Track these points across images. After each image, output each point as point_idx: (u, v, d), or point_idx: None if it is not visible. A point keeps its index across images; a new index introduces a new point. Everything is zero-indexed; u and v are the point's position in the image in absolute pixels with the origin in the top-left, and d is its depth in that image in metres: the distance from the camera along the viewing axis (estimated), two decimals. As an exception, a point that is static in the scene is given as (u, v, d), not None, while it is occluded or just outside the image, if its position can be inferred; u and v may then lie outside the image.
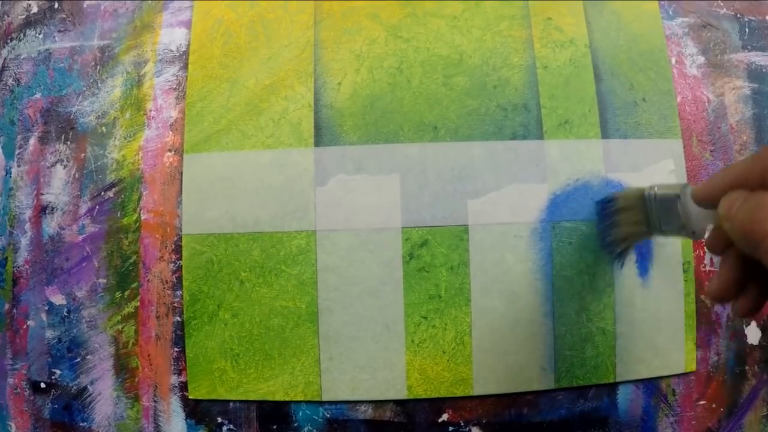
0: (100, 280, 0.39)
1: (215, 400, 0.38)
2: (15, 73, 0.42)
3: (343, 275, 0.38)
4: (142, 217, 0.39)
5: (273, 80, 0.40)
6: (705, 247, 0.38)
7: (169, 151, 0.40)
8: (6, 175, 0.41)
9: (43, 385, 0.39)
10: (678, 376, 0.39)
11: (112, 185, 0.40)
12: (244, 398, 0.38)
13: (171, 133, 0.40)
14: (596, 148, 0.39)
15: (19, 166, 0.41)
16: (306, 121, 0.39)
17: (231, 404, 0.38)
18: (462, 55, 0.40)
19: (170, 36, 0.41)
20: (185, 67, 0.41)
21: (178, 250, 0.39)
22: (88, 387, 0.39)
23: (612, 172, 0.39)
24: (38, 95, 0.42)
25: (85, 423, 0.39)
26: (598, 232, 0.38)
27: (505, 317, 0.38)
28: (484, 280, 0.38)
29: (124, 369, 0.39)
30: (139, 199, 0.39)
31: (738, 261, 0.25)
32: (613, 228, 0.36)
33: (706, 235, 0.28)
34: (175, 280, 0.39)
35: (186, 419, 0.38)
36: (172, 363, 0.38)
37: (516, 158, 0.39)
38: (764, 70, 0.42)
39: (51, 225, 0.40)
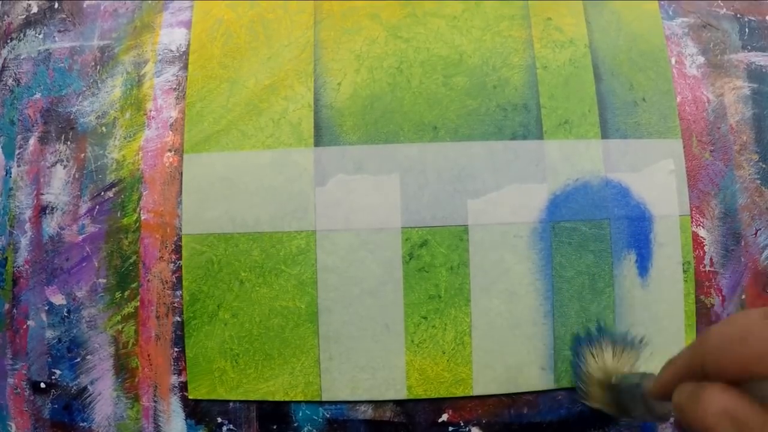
0: (100, 280, 0.39)
1: (215, 400, 0.38)
2: (15, 73, 0.42)
3: (343, 275, 0.38)
4: (142, 217, 0.39)
5: (273, 80, 0.40)
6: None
7: (169, 151, 0.40)
8: (6, 175, 0.41)
9: (43, 385, 0.39)
10: (678, 376, 0.39)
11: (112, 185, 0.40)
12: (244, 398, 0.38)
13: (171, 133, 0.40)
14: (596, 148, 0.39)
15: (19, 166, 0.41)
16: (306, 121, 0.39)
17: (231, 404, 0.38)
18: (462, 55, 0.40)
19: (170, 36, 0.41)
20: (185, 67, 0.41)
21: (178, 250, 0.39)
22: (88, 387, 0.39)
23: (612, 172, 0.39)
24: (38, 95, 0.42)
25: (85, 423, 0.39)
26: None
27: (505, 317, 0.38)
28: (484, 280, 0.38)
29: (124, 369, 0.39)
30: (139, 199, 0.39)
31: None
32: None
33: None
34: (175, 280, 0.39)
35: (186, 419, 0.38)
36: (172, 363, 0.38)
37: (516, 158, 0.39)
38: (764, 70, 0.42)
39: (51, 225, 0.40)
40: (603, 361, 0.35)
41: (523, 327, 0.38)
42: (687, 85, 0.41)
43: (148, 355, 0.38)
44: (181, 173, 0.39)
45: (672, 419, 0.29)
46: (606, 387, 0.34)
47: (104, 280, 0.39)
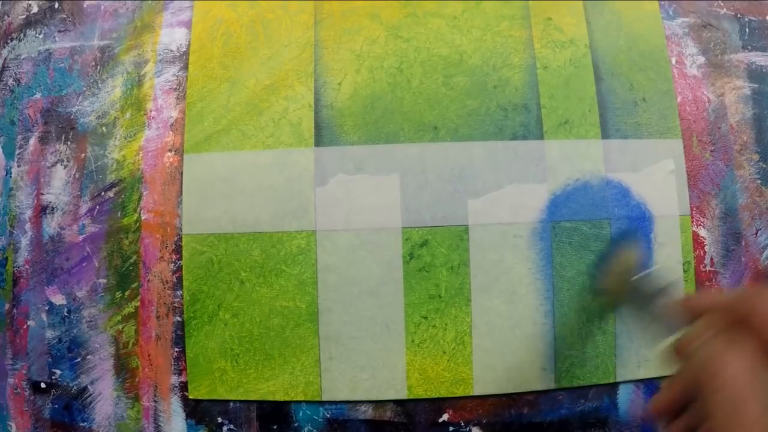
0: (101, 280, 0.39)
1: (215, 400, 0.38)
2: (15, 73, 0.42)
3: (343, 275, 0.38)
4: (143, 217, 0.39)
5: (273, 80, 0.40)
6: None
7: (170, 151, 0.40)
8: (6, 175, 0.41)
9: (43, 385, 0.39)
10: (678, 376, 0.39)
11: (112, 185, 0.40)
12: (244, 398, 0.38)
13: (171, 133, 0.40)
14: (596, 148, 0.39)
15: (19, 166, 0.41)
16: (306, 121, 0.39)
17: (231, 404, 0.38)
18: (462, 55, 0.40)
19: (170, 36, 0.41)
20: (185, 67, 0.41)
21: (178, 250, 0.39)
22: (89, 387, 0.39)
23: (612, 172, 0.39)
24: (38, 95, 0.42)
25: (86, 423, 0.39)
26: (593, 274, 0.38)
27: (505, 317, 0.38)
28: (484, 280, 0.38)
29: (124, 369, 0.39)
30: (140, 199, 0.39)
31: (684, 385, 0.25)
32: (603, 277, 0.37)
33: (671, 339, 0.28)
34: (175, 280, 0.39)
35: (186, 419, 0.38)
36: (173, 363, 0.38)
37: (516, 158, 0.39)
38: (764, 70, 0.42)
39: (51, 225, 0.40)
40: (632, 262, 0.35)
41: (523, 327, 0.38)
42: (687, 85, 0.41)
43: (149, 355, 0.38)
44: (182, 173, 0.39)
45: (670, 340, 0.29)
46: (626, 280, 0.34)
47: (104, 280, 0.39)
